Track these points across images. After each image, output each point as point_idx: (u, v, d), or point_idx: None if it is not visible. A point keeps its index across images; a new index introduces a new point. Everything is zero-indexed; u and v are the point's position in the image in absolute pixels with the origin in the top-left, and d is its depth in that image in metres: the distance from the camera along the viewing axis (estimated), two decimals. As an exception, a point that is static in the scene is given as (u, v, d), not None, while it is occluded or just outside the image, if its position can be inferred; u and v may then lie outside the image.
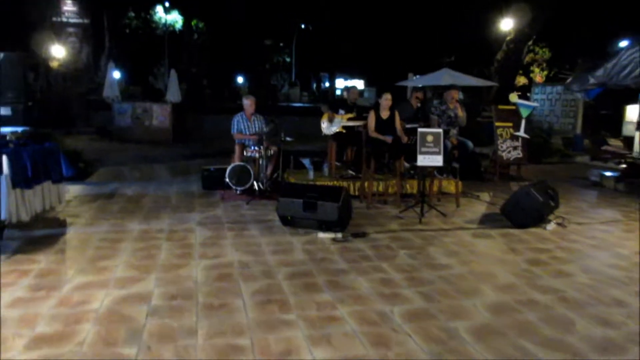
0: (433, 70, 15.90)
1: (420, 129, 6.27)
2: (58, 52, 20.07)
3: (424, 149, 6.29)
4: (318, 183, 7.47)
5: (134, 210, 6.53)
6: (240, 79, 40.92)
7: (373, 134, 7.02)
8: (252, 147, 7.82)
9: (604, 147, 15.49)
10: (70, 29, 27.68)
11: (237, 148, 8.02)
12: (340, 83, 38.71)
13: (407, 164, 7.54)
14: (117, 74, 32.15)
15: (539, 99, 23.67)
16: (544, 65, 26.26)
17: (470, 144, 7.03)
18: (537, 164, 11.99)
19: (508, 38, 16.66)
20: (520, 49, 16.58)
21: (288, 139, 7.71)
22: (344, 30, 30.99)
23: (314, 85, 44.05)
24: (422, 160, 6.33)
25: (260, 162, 7.69)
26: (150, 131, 15.33)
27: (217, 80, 35.48)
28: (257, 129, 8.21)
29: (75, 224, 5.86)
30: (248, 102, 8.21)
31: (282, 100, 36.19)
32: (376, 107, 7.15)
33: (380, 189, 7.46)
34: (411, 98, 8.49)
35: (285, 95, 38.69)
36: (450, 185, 7.85)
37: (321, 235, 5.57)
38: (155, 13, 35.05)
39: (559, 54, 24.51)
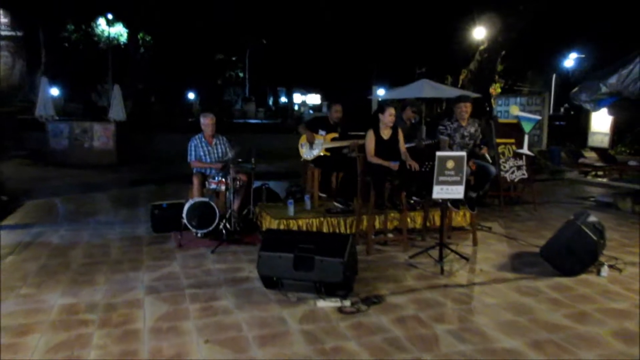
0: (401, 82, 14.80)
1: (439, 153, 4.85)
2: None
3: (442, 178, 4.88)
4: (300, 221, 5.95)
5: (57, 271, 4.79)
6: (191, 95, 38.85)
7: (373, 159, 5.56)
8: (216, 178, 6.21)
9: (581, 160, 14.77)
10: (2, 42, 25.15)
11: (195, 179, 6.38)
12: (297, 98, 37.36)
13: (415, 199, 6.13)
14: (55, 91, 29.70)
15: (502, 110, 23.12)
16: (497, 77, 25.79)
17: (492, 169, 5.71)
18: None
19: (481, 47, 15.75)
20: (494, 59, 15.69)
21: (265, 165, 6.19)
22: (301, 42, 29.68)
23: (271, 100, 42.46)
24: (439, 192, 4.91)
25: (227, 195, 6.09)
26: (91, 154, 13.62)
27: (166, 97, 33.35)
28: (220, 155, 6.61)
29: (-34, 301, 4.09)
30: (206, 121, 6.60)
31: (238, 116, 34.39)
32: (375, 124, 5.70)
33: (378, 224, 6.00)
34: (403, 114, 7.13)
35: (241, 112, 36.92)
36: (457, 216, 6.49)
37: (322, 304, 4.04)
38: (97, 26, 32.65)
39: (508, 67, 24.14)
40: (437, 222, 6.43)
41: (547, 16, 16.04)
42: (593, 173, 12.59)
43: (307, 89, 42.22)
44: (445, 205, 5.35)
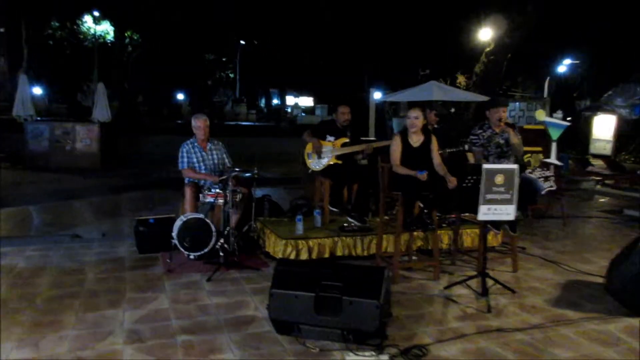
0: (403, 85, 13.98)
1: (486, 166, 4.00)
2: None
3: (490, 196, 4.03)
4: (311, 241, 5.08)
5: (16, 308, 3.85)
6: (180, 96, 37.75)
7: (399, 168, 4.69)
8: (213, 190, 5.31)
9: (589, 169, 14.12)
10: (-19, 39, 24.02)
11: (188, 191, 5.47)
12: (290, 100, 36.47)
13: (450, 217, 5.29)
14: (38, 90, 28.53)
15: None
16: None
17: (540, 184, 4.89)
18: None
19: (487, 50, 14.99)
20: (500, 62, 14.93)
21: (269, 175, 5.34)
22: (294, 42, 28.77)
23: (263, 102, 41.42)
24: (487, 214, 4.06)
25: (225, 209, 5.19)
26: (72, 157, 12.80)
27: (154, 97, 32.24)
28: (215, 162, 5.72)
29: None
30: (199, 124, 5.69)
31: (229, 118, 33.36)
32: (404, 130, 4.84)
33: (402, 245, 5.14)
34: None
35: (233, 114, 35.88)
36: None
37: (352, 358, 3.16)
38: (83, 23, 31.45)
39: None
40: (467, 242, 5.63)
41: (540, 20, 15.40)
42: (603, 182, 11.93)
43: (299, 91, 41.33)
44: (485, 227, 4.50)
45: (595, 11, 19.42)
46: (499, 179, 4.02)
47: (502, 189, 4.03)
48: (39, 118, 15.40)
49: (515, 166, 4.05)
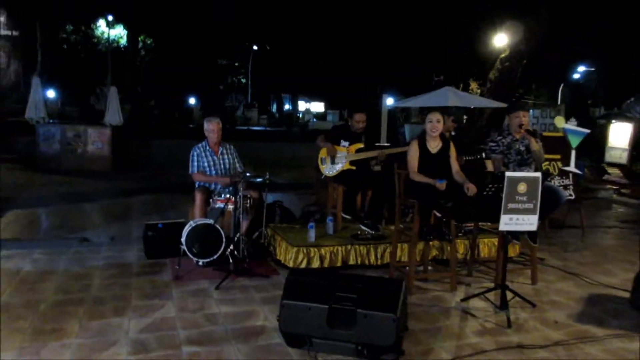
0: (417, 90, 13.80)
1: (510, 174, 3.83)
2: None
3: (512, 205, 3.86)
4: (323, 249, 4.93)
5: (20, 314, 3.74)
6: (192, 100, 37.83)
7: (416, 176, 4.53)
8: (223, 195, 5.19)
9: (605, 177, 13.83)
10: (-3, 42, 24.24)
11: (198, 196, 5.35)
12: (301, 105, 36.38)
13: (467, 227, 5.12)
14: (51, 93, 28.70)
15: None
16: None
17: (563, 192, 4.70)
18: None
19: (502, 56, 14.79)
20: (515, 68, 14.71)
21: (280, 181, 5.22)
22: (305, 48, 28.68)
23: (274, 107, 41.38)
24: (508, 224, 3.89)
25: (235, 215, 5.06)
26: (84, 159, 12.83)
27: (166, 101, 32.32)
28: (226, 166, 5.61)
29: None
30: (212, 127, 5.59)
31: (240, 123, 33.34)
32: (422, 135, 4.68)
33: (417, 255, 4.98)
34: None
35: (244, 118, 35.86)
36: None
37: (367, 375, 3.01)
38: (97, 27, 31.66)
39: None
40: (484, 252, 5.45)
41: (554, 25, 15.18)
42: (619, 191, 11.69)
43: (310, 97, 41.24)
44: (505, 237, 4.32)
45: (609, 17, 19.13)
46: (522, 187, 3.85)
47: (524, 198, 3.86)
48: (51, 120, 15.45)
49: (538, 174, 3.88)
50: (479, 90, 15.76)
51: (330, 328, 3.13)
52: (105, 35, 31.23)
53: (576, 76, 37.06)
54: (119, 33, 31.63)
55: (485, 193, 4.02)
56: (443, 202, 4.39)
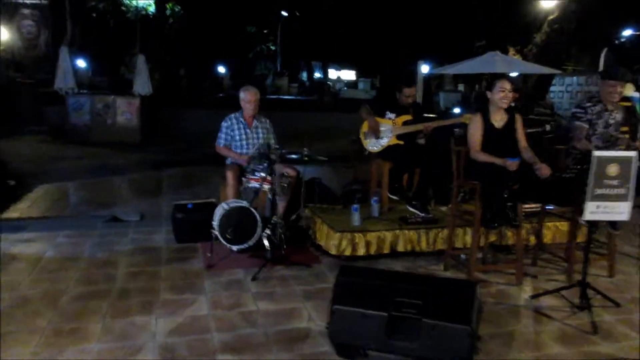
0: (455, 57, 12.94)
1: (598, 153, 3.21)
2: (3, 35, 16.69)
3: (599, 191, 3.25)
4: (369, 235, 4.42)
5: (37, 311, 3.37)
6: (222, 69, 37.31)
7: (479, 155, 3.94)
8: (257, 173, 4.69)
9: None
10: (25, 11, 23.97)
11: (229, 174, 4.87)
12: (332, 73, 35.48)
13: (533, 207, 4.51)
14: (82, 63, 28.55)
15: (556, 91, 20.90)
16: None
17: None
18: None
19: (550, 17, 13.71)
20: (566, 31, 13.64)
21: (321, 157, 4.72)
22: (337, 12, 27.65)
23: (305, 76, 40.54)
24: (595, 212, 3.29)
25: (269, 196, 4.59)
26: (113, 130, 12.57)
27: (195, 70, 31.92)
28: (260, 142, 5.10)
29: None
30: (249, 97, 5.06)
31: (270, 92, 32.74)
32: (484, 107, 4.07)
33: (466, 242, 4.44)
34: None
35: (274, 87, 35.23)
36: (561, 228, 4.86)
37: (435, 398, 2.52)
38: (125, -5, 31.18)
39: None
40: (547, 237, 4.86)
41: None
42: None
43: (341, 64, 40.22)
44: (593, 225, 3.66)
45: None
46: (613, 169, 3.23)
47: (615, 182, 3.25)
48: (80, 91, 15.20)
49: (634, 153, 3.25)
50: (516, 56, 14.83)
51: (390, 339, 2.64)
52: (134, 4, 30.76)
53: (622, 40, 35.05)
54: (148, 1, 31.12)
55: (565, 175, 3.41)
56: (510, 184, 3.80)
